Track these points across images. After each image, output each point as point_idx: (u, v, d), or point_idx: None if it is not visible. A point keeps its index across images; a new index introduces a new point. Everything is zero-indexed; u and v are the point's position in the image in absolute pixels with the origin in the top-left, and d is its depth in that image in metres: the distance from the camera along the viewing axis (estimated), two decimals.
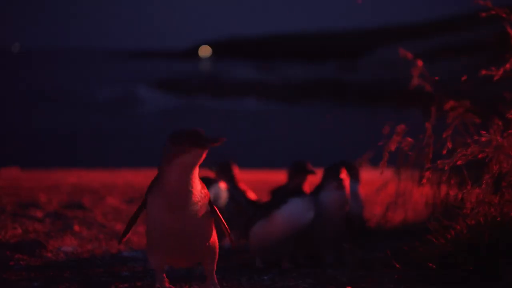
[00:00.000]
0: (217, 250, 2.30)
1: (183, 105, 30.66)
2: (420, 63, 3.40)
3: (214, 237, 2.28)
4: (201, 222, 2.20)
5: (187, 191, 2.14)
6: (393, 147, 3.24)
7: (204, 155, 2.13)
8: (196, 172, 2.17)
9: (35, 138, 18.21)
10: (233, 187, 3.76)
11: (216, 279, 2.31)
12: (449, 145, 2.98)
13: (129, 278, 2.71)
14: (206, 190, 2.23)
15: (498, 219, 2.61)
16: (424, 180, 2.97)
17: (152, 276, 2.72)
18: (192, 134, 2.12)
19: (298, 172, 3.17)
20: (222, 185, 3.57)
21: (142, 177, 7.15)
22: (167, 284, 2.34)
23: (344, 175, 3.15)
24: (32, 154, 14.98)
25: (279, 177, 4.81)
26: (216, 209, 2.28)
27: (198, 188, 2.18)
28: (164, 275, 2.33)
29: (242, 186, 3.85)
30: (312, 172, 3.15)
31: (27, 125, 21.29)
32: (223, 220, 2.31)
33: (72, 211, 4.45)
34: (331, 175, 3.15)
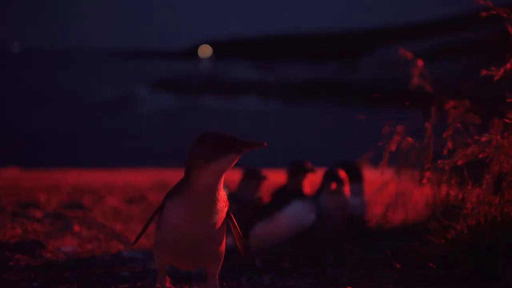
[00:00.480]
0: (223, 255, 2.26)
1: (183, 105, 30.65)
2: (420, 63, 3.39)
3: (224, 243, 2.24)
4: (218, 230, 2.16)
5: (213, 198, 2.08)
6: (393, 147, 3.24)
7: (236, 160, 2.05)
8: (222, 179, 2.09)
9: (35, 138, 18.20)
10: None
11: (217, 280, 2.30)
12: (450, 145, 2.97)
13: (129, 278, 2.70)
14: (226, 198, 2.17)
15: (499, 219, 2.61)
16: (425, 180, 2.97)
17: (152, 276, 2.71)
18: (228, 137, 2.03)
19: (298, 171, 3.16)
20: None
21: (142, 177, 7.15)
22: (167, 284, 2.34)
23: (342, 178, 3.16)
24: (32, 154, 14.97)
25: (279, 177, 4.80)
26: (234, 219, 2.24)
27: (222, 196, 2.12)
28: (166, 275, 2.32)
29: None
30: (312, 171, 3.15)
31: (27, 125, 21.28)
32: (239, 231, 2.28)
33: (72, 211, 4.44)
34: (329, 179, 3.15)
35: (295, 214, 3.02)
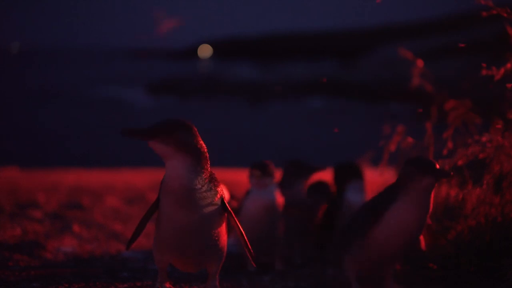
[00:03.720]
0: (224, 254, 2.25)
1: (183, 105, 30.65)
2: (420, 63, 3.39)
3: (224, 241, 2.23)
4: (212, 220, 2.15)
5: (183, 181, 2.09)
6: (393, 147, 3.24)
7: (173, 144, 2.10)
8: (191, 166, 2.10)
9: (35, 138, 18.19)
10: None
11: (217, 280, 2.29)
12: (450, 145, 2.97)
13: (128, 278, 2.70)
14: (218, 189, 2.18)
15: (499, 219, 2.61)
16: None
17: (152, 276, 2.71)
18: (165, 122, 2.20)
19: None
20: (223, 188, 3.59)
21: (142, 177, 7.14)
22: (167, 285, 2.33)
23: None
24: (32, 154, 14.97)
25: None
26: (231, 211, 2.23)
27: (200, 182, 2.11)
28: (166, 276, 2.32)
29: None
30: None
31: (26, 125, 21.27)
32: (240, 227, 2.26)
33: (72, 211, 4.44)
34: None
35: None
